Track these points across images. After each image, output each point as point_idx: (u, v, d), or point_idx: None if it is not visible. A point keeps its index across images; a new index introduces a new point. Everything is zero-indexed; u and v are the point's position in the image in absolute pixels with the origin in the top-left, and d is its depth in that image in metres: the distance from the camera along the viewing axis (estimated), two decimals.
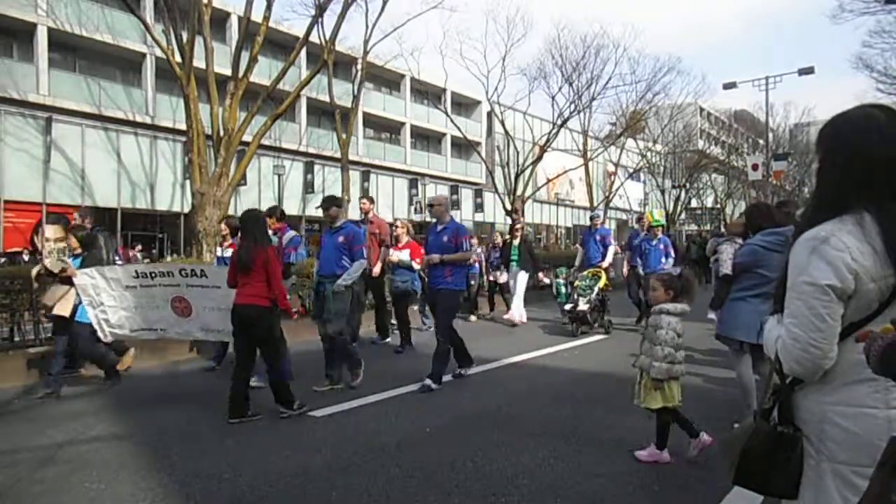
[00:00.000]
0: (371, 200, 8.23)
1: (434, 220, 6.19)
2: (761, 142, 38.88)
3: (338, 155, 23.20)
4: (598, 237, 9.69)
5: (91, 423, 4.67)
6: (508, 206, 26.55)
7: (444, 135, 37.18)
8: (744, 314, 3.97)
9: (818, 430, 1.43)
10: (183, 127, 15.29)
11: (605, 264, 9.38)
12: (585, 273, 9.10)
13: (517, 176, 26.44)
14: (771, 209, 4.49)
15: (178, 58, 13.04)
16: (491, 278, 11.04)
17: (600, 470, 3.60)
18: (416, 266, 7.69)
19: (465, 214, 36.63)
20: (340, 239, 5.68)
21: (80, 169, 21.01)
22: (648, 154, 37.24)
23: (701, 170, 40.06)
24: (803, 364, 1.40)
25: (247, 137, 14.47)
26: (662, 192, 38.65)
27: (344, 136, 21.85)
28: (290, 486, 3.39)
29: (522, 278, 10.00)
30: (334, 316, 5.55)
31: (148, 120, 23.57)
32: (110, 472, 3.60)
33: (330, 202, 5.94)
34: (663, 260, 8.85)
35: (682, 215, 39.61)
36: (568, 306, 8.70)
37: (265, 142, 20.84)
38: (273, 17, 14.34)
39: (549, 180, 34.02)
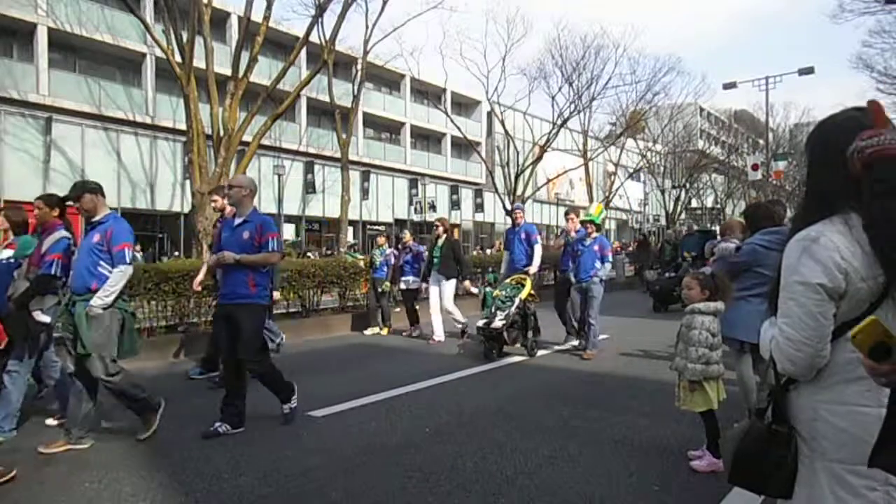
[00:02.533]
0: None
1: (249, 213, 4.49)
2: (761, 142, 38.88)
3: (338, 155, 23.21)
4: (522, 235, 8.02)
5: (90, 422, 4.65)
6: (508, 206, 26.56)
7: (444, 135, 37.20)
8: (744, 314, 3.97)
9: (811, 429, 1.44)
10: (183, 127, 15.31)
11: (532, 269, 7.79)
12: (508, 281, 7.61)
13: (517, 176, 26.46)
14: (772, 209, 4.50)
15: (178, 58, 13.05)
16: (402, 285, 9.15)
17: (600, 470, 3.60)
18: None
19: (465, 214, 36.70)
20: (96, 238, 4.11)
21: (80, 169, 21.02)
22: (648, 154, 37.25)
23: (701, 170, 40.06)
24: (797, 363, 1.41)
25: (247, 137, 14.48)
26: (662, 192, 38.66)
27: (344, 136, 21.87)
28: (290, 486, 3.39)
29: (449, 287, 8.32)
30: (93, 349, 3.92)
31: (148, 120, 23.59)
32: (110, 472, 3.60)
33: (80, 189, 4.42)
34: (597, 265, 7.17)
35: (683, 215, 39.60)
36: (481, 322, 7.11)
37: (265, 142, 20.85)
38: (273, 17, 14.36)
39: (549, 180, 34.02)
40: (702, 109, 46.39)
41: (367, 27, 22.07)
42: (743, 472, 1.54)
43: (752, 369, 4.30)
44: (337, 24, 16.64)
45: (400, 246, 9.46)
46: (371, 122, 33.52)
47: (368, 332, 9.21)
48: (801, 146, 40.84)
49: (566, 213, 8.34)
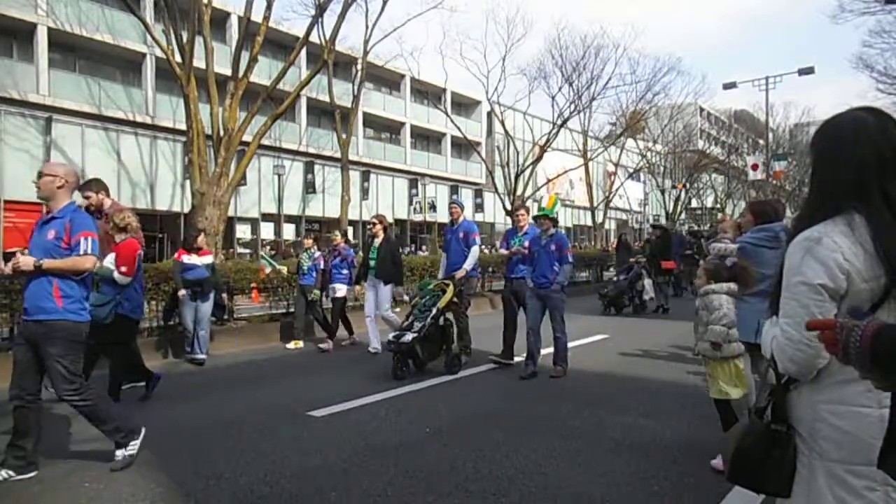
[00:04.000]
0: (107, 192, 5.90)
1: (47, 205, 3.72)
2: (761, 142, 38.91)
3: (338, 155, 23.22)
4: (460, 234, 7.01)
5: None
6: (508, 206, 26.57)
7: (444, 135, 37.20)
8: (741, 313, 3.97)
9: (811, 429, 1.44)
10: (183, 127, 15.30)
11: (459, 273, 6.72)
12: (431, 286, 6.76)
13: (517, 176, 26.46)
14: (777, 206, 4.50)
15: (178, 58, 13.04)
16: (331, 293, 8.18)
17: (600, 470, 3.60)
18: (121, 278, 4.94)
19: (465, 214, 36.62)
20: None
21: (80, 169, 21.01)
22: (648, 154, 37.27)
23: (701, 170, 40.10)
24: (798, 363, 1.41)
25: (247, 137, 14.47)
26: (662, 192, 38.69)
27: (344, 136, 21.88)
28: (290, 486, 3.39)
29: (386, 293, 7.42)
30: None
31: (148, 120, 23.58)
32: (110, 472, 3.60)
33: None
34: (556, 268, 6.09)
35: (683, 215, 39.62)
36: (391, 335, 6.21)
37: (265, 142, 20.85)
38: (273, 17, 14.34)
39: (549, 180, 34.01)
40: (702, 109, 46.43)
41: (367, 27, 22.10)
42: (742, 471, 1.55)
43: (750, 369, 4.30)
44: (337, 24, 16.62)
45: (328, 249, 8.41)
46: (371, 122, 33.51)
47: (291, 345, 8.02)
48: (801, 146, 40.96)
49: (516, 209, 7.31)
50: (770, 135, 34.79)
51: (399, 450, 3.96)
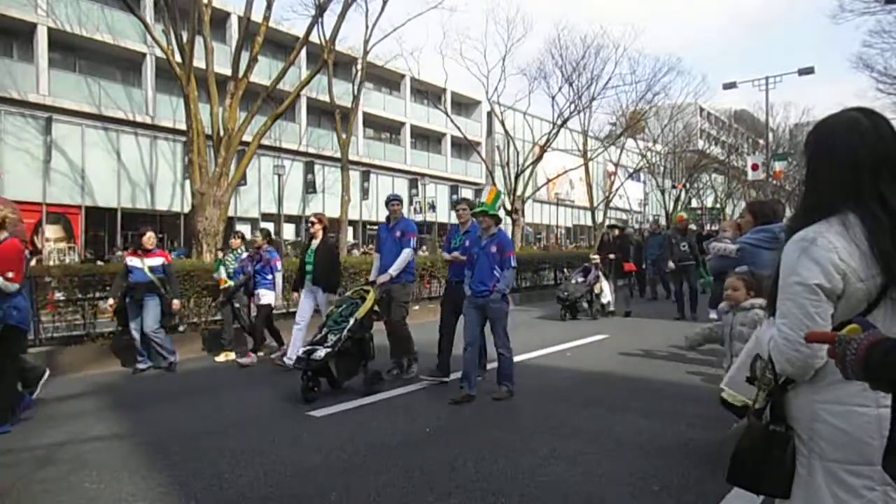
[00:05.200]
0: None
1: None
2: (761, 142, 38.92)
3: (338, 155, 23.20)
4: (397, 234, 6.19)
5: (91, 423, 4.67)
6: (508, 206, 26.57)
7: (444, 135, 37.19)
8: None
9: (809, 429, 1.45)
10: (183, 127, 15.30)
11: (382, 278, 5.98)
12: (349, 293, 6.14)
13: (517, 176, 26.47)
14: (776, 206, 4.51)
15: (178, 58, 13.05)
16: (263, 300, 7.28)
17: (600, 470, 3.60)
18: (7, 285, 4.36)
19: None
20: None
21: (80, 169, 21.02)
22: (648, 154, 37.27)
23: (701, 170, 40.10)
24: (794, 363, 1.42)
25: (247, 137, 14.48)
26: (662, 192, 38.68)
27: (344, 136, 21.86)
28: (290, 486, 3.39)
29: (325, 302, 6.57)
30: None
31: (148, 120, 23.58)
32: (110, 472, 3.61)
33: None
34: (496, 271, 5.27)
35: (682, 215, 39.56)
36: (300, 351, 5.44)
37: (265, 142, 20.84)
38: (273, 17, 14.35)
39: (549, 180, 34.03)
40: (702, 109, 46.41)
41: (367, 27, 22.06)
42: (741, 471, 1.55)
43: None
44: (337, 24, 16.63)
45: (250, 251, 7.54)
46: (371, 122, 33.50)
47: (221, 357, 7.22)
48: (801, 146, 40.82)
49: (455, 204, 6.46)
50: (770, 135, 34.80)
51: (399, 450, 3.96)
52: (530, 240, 36.33)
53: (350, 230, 27.25)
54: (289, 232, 27.90)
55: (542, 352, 7.45)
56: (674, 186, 38.69)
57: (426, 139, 38.10)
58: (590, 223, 37.60)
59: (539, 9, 63.26)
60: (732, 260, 4.15)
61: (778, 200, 6.63)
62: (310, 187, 28.41)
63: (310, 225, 6.92)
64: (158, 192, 23.24)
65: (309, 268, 6.67)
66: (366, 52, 22.55)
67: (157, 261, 6.71)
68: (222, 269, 7.41)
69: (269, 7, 13.69)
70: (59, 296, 7.28)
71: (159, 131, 23.54)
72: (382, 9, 20.39)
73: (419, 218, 32.96)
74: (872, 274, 1.37)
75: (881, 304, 1.38)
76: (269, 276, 7.30)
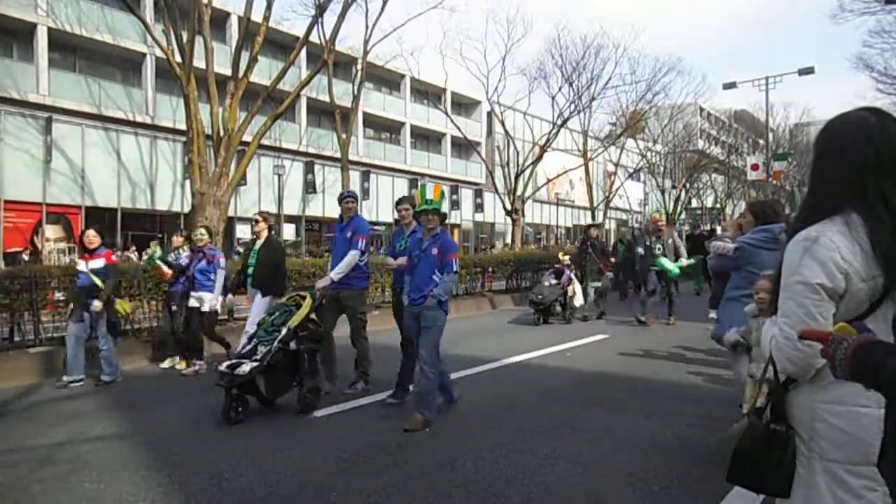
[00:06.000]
0: None
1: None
2: (761, 142, 38.92)
3: (338, 155, 23.22)
4: (348, 233, 5.57)
5: (91, 423, 4.67)
6: (508, 206, 26.57)
7: (444, 135, 37.19)
8: (737, 314, 3.97)
9: (810, 429, 1.45)
10: (183, 127, 15.30)
11: (322, 282, 5.46)
12: (284, 300, 5.50)
13: (517, 176, 26.48)
14: (777, 206, 4.50)
15: (178, 58, 13.05)
16: (191, 303, 6.63)
17: (600, 470, 3.60)
18: None
19: (465, 214, 36.68)
20: None
21: (80, 169, 21.01)
22: (648, 154, 37.28)
23: (701, 170, 40.09)
24: (796, 363, 1.42)
25: (247, 137, 14.48)
26: (662, 192, 38.67)
27: (344, 136, 21.87)
28: (290, 486, 3.39)
29: (260, 307, 6.06)
30: None
31: (148, 120, 23.58)
32: (110, 472, 3.61)
33: None
34: (436, 276, 4.62)
35: (683, 215, 39.61)
36: (225, 365, 4.76)
37: (265, 142, 20.84)
38: (273, 17, 14.35)
39: (549, 180, 34.02)
40: (702, 109, 46.42)
41: (367, 27, 22.08)
42: (741, 470, 1.55)
43: (748, 377, 4.29)
44: (337, 24, 16.63)
45: (192, 250, 6.94)
46: (371, 122, 33.50)
47: (166, 364, 6.80)
48: (802, 146, 40.99)
49: (397, 203, 5.75)
50: (770, 135, 34.80)
51: (399, 450, 3.96)
52: (530, 240, 36.30)
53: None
54: (289, 232, 27.89)
55: (542, 352, 7.44)
56: (674, 186, 38.68)
57: (426, 139, 38.10)
58: (590, 223, 37.61)
59: (539, 9, 63.36)
60: (731, 259, 4.14)
61: (778, 200, 6.57)
62: (310, 187, 28.40)
63: (253, 223, 6.43)
64: (158, 192, 23.23)
65: (250, 270, 6.20)
66: (366, 52, 22.57)
67: (98, 262, 6.08)
68: (159, 262, 6.91)
69: (269, 7, 13.69)
70: (59, 296, 7.27)
71: (159, 131, 23.54)
72: (382, 9, 20.42)
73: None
74: (874, 274, 1.37)
75: (883, 305, 1.38)
76: (213, 277, 6.61)
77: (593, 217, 34.02)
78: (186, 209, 20.72)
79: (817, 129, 1.62)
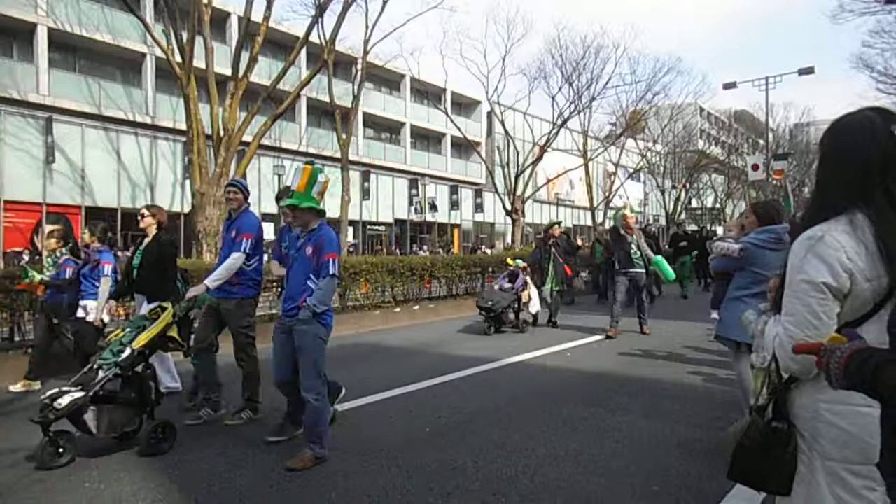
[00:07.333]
0: None
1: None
2: (761, 142, 38.90)
3: (338, 155, 23.20)
4: (233, 233, 4.72)
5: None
6: (508, 206, 26.57)
7: (444, 135, 37.20)
8: (740, 314, 3.97)
9: (811, 428, 1.45)
10: (183, 127, 15.31)
11: (195, 290, 4.52)
12: (146, 311, 4.55)
13: (517, 176, 26.48)
14: (779, 207, 4.50)
15: (178, 58, 13.06)
16: (91, 315, 5.56)
17: (600, 470, 3.60)
18: None
19: (465, 214, 36.72)
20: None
21: (80, 169, 21.02)
22: (648, 154, 37.28)
23: (701, 170, 40.09)
24: (798, 361, 1.42)
25: (247, 137, 14.48)
26: (662, 192, 38.67)
27: (344, 136, 21.86)
28: (289, 487, 3.39)
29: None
30: None
31: (148, 120, 23.59)
32: (110, 472, 3.60)
33: None
34: (311, 282, 3.77)
35: (683, 215, 39.61)
36: (45, 396, 3.81)
37: (265, 142, 20.85)
38: (273, 17, 14.36)
39: (549, 180, 34.03)
40: (702, 109, 46.45)
41: (367, 27, 22.07)
42: (742, 468, 1.56)
43: (750, 368, 4.29)
44: (337, 24, 16.65)
45: (72, 252, 6.03)
46: (371, 122, 33.50)
47: (18, 387, 5.76)
48: (801, 146, 40.99)
49: (277, 197, 5.01)
50: (770, 135, 34.78)
51: (399, 450, 3.96)
52: (531, 240, 36.33)
53: (350, 230, 27.25)
54: None
55: (542, 352, 7.44)
56: (674, 186, 38.68)
57: (426, 139, 38.10)
58: (590, 223, 37.61)
59: (539, 9, 63.42)
60: (735, 260, 4.15)
61: (778, 201, 6.53)
62: None
63: (139, 218, 5.30)
64: (158, 192, 23.22)
65: (134, 272, 5.20)
66: (366, 52, 22.56)
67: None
68: (34, 273, 5.96)
69: (269, 7, 13.70)
70: None
71: (159, 131, 23.55)
72: (382, 9, 20.41)
73: (419, 218, 32.97)
74: (879, 274, 1.37)
75: (888, 305, 1.38)
76: (97, 283, 5.60)
77: (593, 217, 34.02)
78: (186, 209, 20.72)
79: (817, 128, 1.63)
